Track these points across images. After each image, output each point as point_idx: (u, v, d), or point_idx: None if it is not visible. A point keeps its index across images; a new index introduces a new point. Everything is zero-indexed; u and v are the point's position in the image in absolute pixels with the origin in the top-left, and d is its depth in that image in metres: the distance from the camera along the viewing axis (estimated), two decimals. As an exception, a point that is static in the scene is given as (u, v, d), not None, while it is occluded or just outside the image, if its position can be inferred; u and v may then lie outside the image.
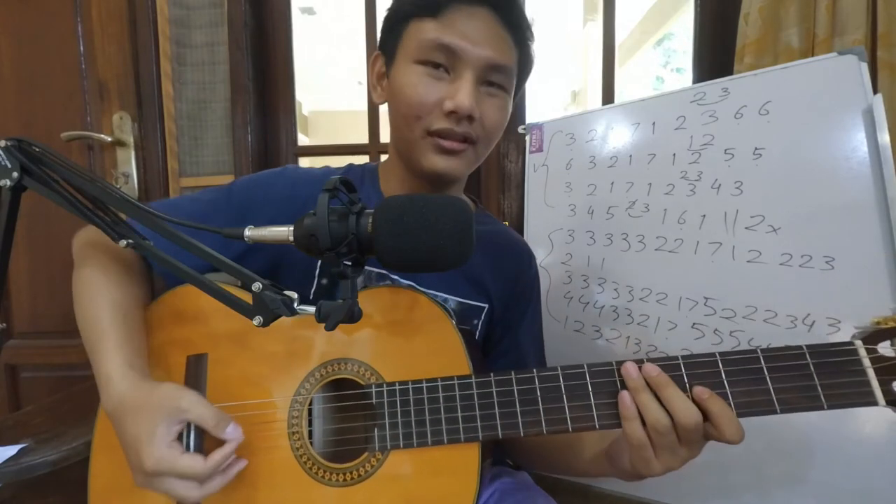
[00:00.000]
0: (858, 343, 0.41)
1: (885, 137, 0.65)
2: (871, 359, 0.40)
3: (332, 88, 4.56)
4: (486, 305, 0.67)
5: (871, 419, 0.64)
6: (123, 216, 0.49)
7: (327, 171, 0.68)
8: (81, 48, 1.19)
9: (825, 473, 0.67)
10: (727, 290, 0.75)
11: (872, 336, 0.41)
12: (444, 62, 0.55)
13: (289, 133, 1.28)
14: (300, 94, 1.58)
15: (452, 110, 0.54)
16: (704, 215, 0.78)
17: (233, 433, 0.47)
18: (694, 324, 0.78)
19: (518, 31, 0.58)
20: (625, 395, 0.45)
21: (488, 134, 0.59)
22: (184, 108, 1.21)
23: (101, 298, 0.54)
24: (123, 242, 0.47)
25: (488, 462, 0.55)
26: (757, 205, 0.74)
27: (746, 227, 0.74)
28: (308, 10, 3.41)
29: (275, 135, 1.27)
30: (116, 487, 0.55)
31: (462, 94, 0.54)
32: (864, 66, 0.67)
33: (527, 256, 0.73)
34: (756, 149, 0.74)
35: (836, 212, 0.68)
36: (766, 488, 0.71)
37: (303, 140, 4.24)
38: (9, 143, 0.45)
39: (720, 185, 0.77)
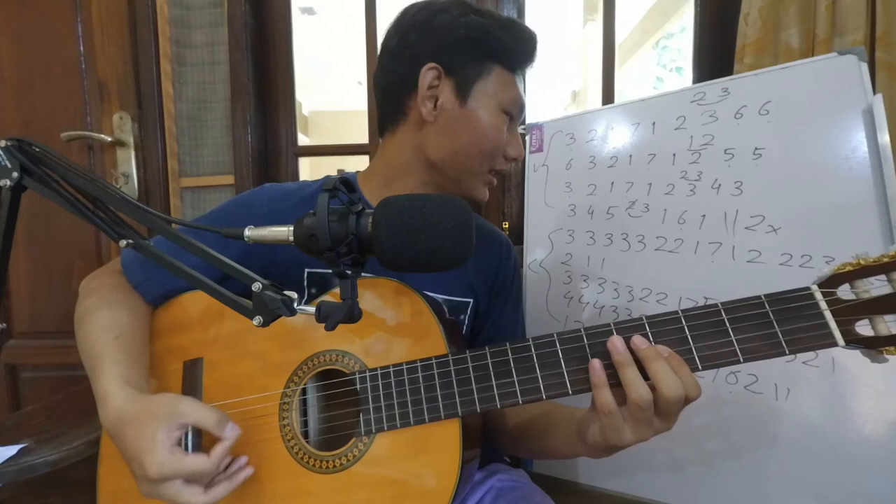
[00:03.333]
0: (814, 288, 0.42)
1: (885, 137, 0.65)
2: (828, 301, 0.41)
3: (332, 88, 4.56)
4: (472, 300, 0.68)
5: (871, 419, 0.64)
6: (123, 216, 0.49)
7: (303, 184, 0.69)
8: (81, 48, 1.19)
9: (825, 473, 0.67)
10: (727, 290, 0.74)
11: (831, 280, 0.42)
12: (514, 115, 0.65)
13: (289, 133, 1.28)
14: (300, 94, 1.58)
15: (514, 157, 0.66)
16: (704, 215, 0.78)
17: (231, 432, 0.48)
18: (694, 324, 0.78)
19: None
20: (595, 363, 0.44)
21: None
22: (184, 108, 1.21)
23: (95, 324, 0.55)
24: (123, 242, 0.47)
25: (476, 459, 0.55)
26: (757, 205, 0.74)
27: (746, 227, 0.74)
28: (308, 10, 3.41)
29: (275, 135, 1.27)
30: (124, 493, 0.56)
31: (518, 143, 0.66)
32: (864, 67, 0.67)
33: (505, 247, 0.75)
34: (756, 149, 0.74)
35: (836, 212, 0.68)
36: (765, 489, 0.71)
37: (303, 140, 4.25)
38: (9, 143, 0.45)
39: (720, 185, 0.77)
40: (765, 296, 0.43)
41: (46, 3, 1.19)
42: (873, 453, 0.64)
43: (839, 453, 0.66)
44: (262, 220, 0.61)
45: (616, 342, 0.44)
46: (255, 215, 0.63)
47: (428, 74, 0.61)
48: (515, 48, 0.63)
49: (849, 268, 0.41)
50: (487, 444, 0.64)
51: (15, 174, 0.45)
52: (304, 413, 0.57)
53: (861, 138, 0.67)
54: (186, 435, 0.50)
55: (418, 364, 0.51)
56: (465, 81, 0.61)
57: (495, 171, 0.66)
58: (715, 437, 0.75)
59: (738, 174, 0.75)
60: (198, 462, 0.45)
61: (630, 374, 0.43)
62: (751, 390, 0.72)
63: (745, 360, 0.42)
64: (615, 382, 0.44)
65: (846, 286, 0.41)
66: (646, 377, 0.43)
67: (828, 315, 0.41)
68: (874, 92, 0.67)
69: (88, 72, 1.20)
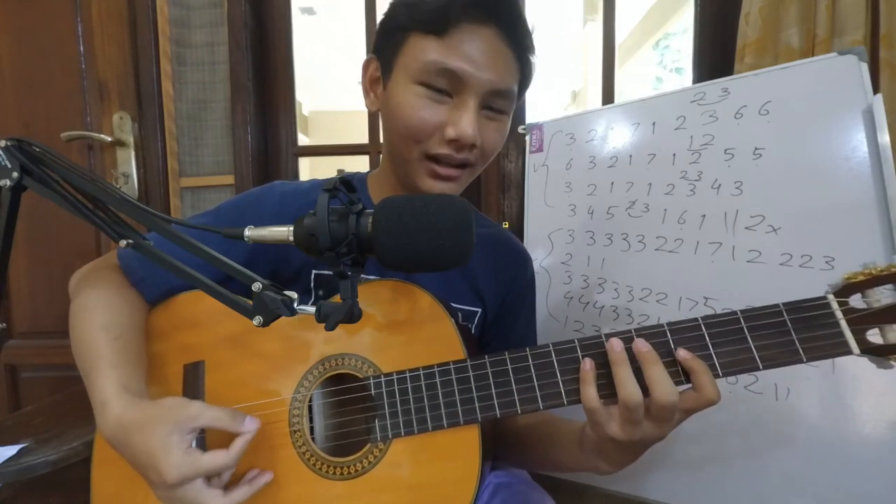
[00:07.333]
0: (831, 297, 0.43)
1: (885, 137, 0.65)
2: (843, 311, 0.42)
3: (332, 88, 4.56)
4: (480, 310, 0.67)
5: (871, 419, 0.64)
6: (123, 216, 0.49)
7: (315, 183, 0.67)
8: (81, 48, 1.19)
9: (825, 473, 0.67)
10: (727, 290, 0.75)
11: (843, 290, 0.43)
12: (446, 87, 0.53)
13: (289, 133, 1.28)
14: (300, 94, 1.58)
15: (454, 139, 0.53)
16: (704, 215, 0.78)
17: (251, 425, 0.47)
18: (694, 324, 0.78)
19: (522, 48, 0.56)
20: (587, 361, 0.46)
21: (486, 156, 0.58)
22: (184, 108, 1.21)
23: (92, 322, 0.54)
24: (123, 242, 0.47)
25: (489, 461, 0.55)
26: (757, 205, 0.74)
27: (746, 227, 0.74)
28: (308, 10, 3.41)
29: (275, 135, 1.27)
30: (119, 498, 0.55)
31: (465, 122, 0.52)
32: (864, 67, 0.67)
33: (522, 260, 0.73)
34: (756, 149, 0.74)
35: (836, 212, 0.68)
36: (766, 488, 0.71)
37: (303, 140, 4.24)
38: (9, 143, 0.45)
39: (720, 185, 0.77)
40: (783, 304, 0.44)
41: (46, 3, 1.19)
42: (873, 453, 0.64)
43: (839, 453, 0.66)
44: (272, 217, 0.59)
45: (614, 343, 0.46)
46: (265, 213, 0.62)
47: (367, 67, 0.61)
48: (423, 4, 0.53)
49: (861, 277, 0.42)
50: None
51: (15, 174, 0.45)
52: (313, 419, 0.55)
53: (861, 138, 0.67)
54: (193, 441, 0.48)
55: (436, 369, 0.50)
56: (388, 64, 0.57)
57: (437, 158, 0.55)
58: (715, 436, 0.75)
59: (738, 174, 0.75)
60: (215, 459, 0.44)
61: (621, 373, 0.44)
62: (751, 390, 0.72)
63: (765, 368, 0.43)
64: (607, 382, 0.45)
65: (857, 295, 0.42)
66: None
67: (843, 324, 0.42)
68: (875, 92, 0.67)
69: (88, 72, 1.20)
